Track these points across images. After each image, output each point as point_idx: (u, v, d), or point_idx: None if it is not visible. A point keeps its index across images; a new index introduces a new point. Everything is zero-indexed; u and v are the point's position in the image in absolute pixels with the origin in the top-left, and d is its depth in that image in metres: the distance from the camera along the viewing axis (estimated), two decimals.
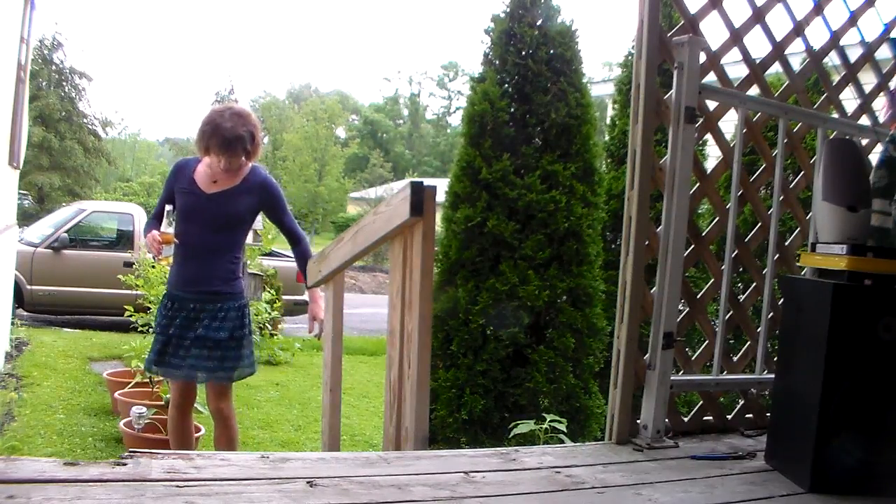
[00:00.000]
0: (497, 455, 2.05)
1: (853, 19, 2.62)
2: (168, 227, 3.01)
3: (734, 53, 2.44)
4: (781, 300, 2.35)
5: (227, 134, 2.97)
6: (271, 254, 8.77)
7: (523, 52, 4.53)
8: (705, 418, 2.47)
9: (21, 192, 12.08)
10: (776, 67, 2.55)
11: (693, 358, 2.46)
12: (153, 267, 7.01)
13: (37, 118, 20.80)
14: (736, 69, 2.47)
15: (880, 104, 2.78)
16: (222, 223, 3.07)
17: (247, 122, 3.05)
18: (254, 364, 3.21)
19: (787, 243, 2.65)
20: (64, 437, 4.25)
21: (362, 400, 6.29)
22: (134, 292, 6.83)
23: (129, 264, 7.72)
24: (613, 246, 5.22)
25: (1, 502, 1.33)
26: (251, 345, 3.21)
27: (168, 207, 3.07)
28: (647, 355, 2.25)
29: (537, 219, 4.31)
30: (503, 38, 4.56)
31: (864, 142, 2.67)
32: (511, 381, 4.24)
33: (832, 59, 2.64)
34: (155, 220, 3.17)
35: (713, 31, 2.36)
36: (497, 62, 4.59)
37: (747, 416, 2.52)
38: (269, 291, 7.66)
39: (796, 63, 2.64)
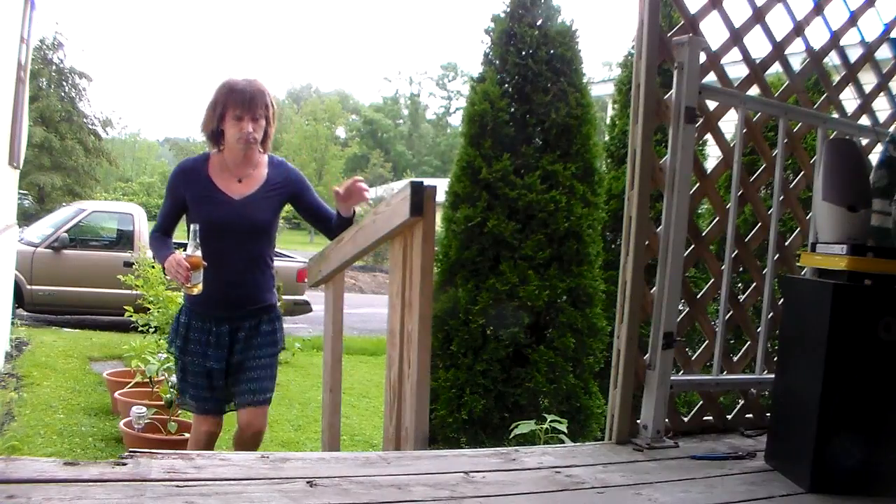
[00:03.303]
0: (497, 455, 2.05)
1: (853, 19, 2.62)
2: (196, 251, 2.44)
3: (734, 53, 2.44)
4: (781, 300, 2.35)
5: (245, 88, 2.55)
6: None
7: (523, 52, 4.53)
8: (705, 418, 2.47)
9: (21, 192, 12.09)
10: (776, 67, 2.55)
11: (693, 358, 2.46)
12: (153, 267, 7.02)
13: (37, 118, 20.79)
14: (736, 69, 2.47)
15: (881, 104, 2.78)
16: (260, 230, 2.64)
17: (262, 87, 2.63)
18: None
19: (787, 243, 2.65)
20: (64, 437, 4.24)
21: (362, 400, 6.30)
22: (134, 292, 6.84)
23: (129, 264, 7.72)
24: (613, 246, 5.22)
25: (1, 502, 1.33)
26: None
27: (194, 227, 2.47)
28: (647, 355, 2.25)
29: (537, 219, 4.31)
30: (503, 38, 4.56)
31: (864, 142, 2.67)
32: (511, 381, 4.24)
33: (832, 59, 2.64)
34: (164, 236, 2.70)
35: (713, 31, 2.36)
36: (497, 62, 4.60)
37: (747, 416, 2.52)
38: None
39: (796, 63, 2.64)
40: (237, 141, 2.56)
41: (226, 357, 2.62)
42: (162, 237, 2.69)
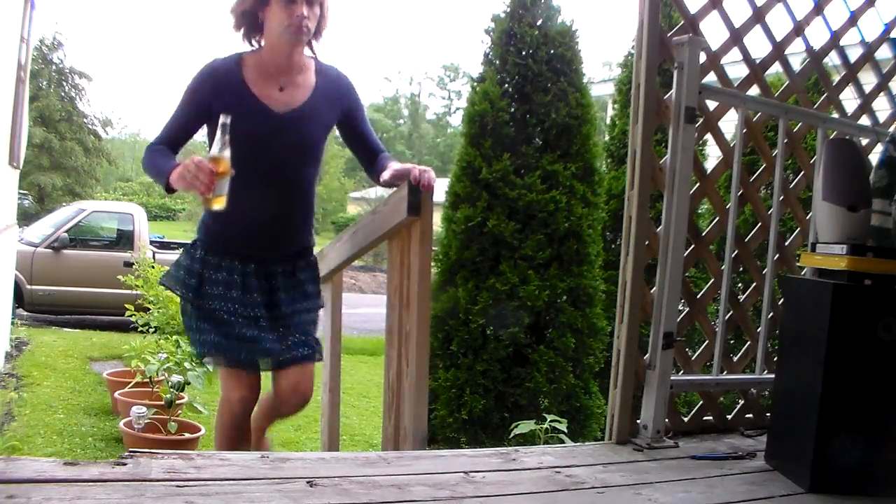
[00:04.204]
0: (497, 455, 2.05)
1: (853, 19, 2.62)
2: (223, 151, 1.86)
3: (734, 53, 2.44)
4: (781, 300, 2.35)
5: None
6: None
7: (523, 52, 4.54)
8: (705, 418, 2.47)
9: (21, 192, 12.09)
10: (776, 67, 2.55)
11: (693, 358, 2.46)
12: (153, 267, 7.03)
13: (37, 118, 20.80)
14: (736, 69, 2.47)
15: (881, 104, 2.78)
16: (306, 152, 2.14)
17: None
18: None
19: (787, 243, 2.65)
20: (64, 437, 4.24)
21: (362, 400, 6.29)
22: (134, 292, 6.84)
23: (129, 264, 7.73)
24: (613, 246, 5.23)
25: (1, 502, 1.33)
26: None
27: (224, 120, 1.87)
28: (647, 355, 2.25)
29: (537, 219, 4.31)
30: (503, 38, 4.57)
31: (864, 142, 2.66)
32: (511, 381, 4.24)
33: (832, 59, 2.63)
34: (167, 148, 2.08)
35: (713, 31, 2.36)
36: (497, 62, 4.60)
37: (747, 416, 2.52)
38: None
39: (796, 63, 2.64)
40: (285, 29, 2.01)
41: (257, 305, 2.11)
42: (163, 150, 2.07)
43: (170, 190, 1.98)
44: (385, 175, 2.17)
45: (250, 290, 2.12)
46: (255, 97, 2.05)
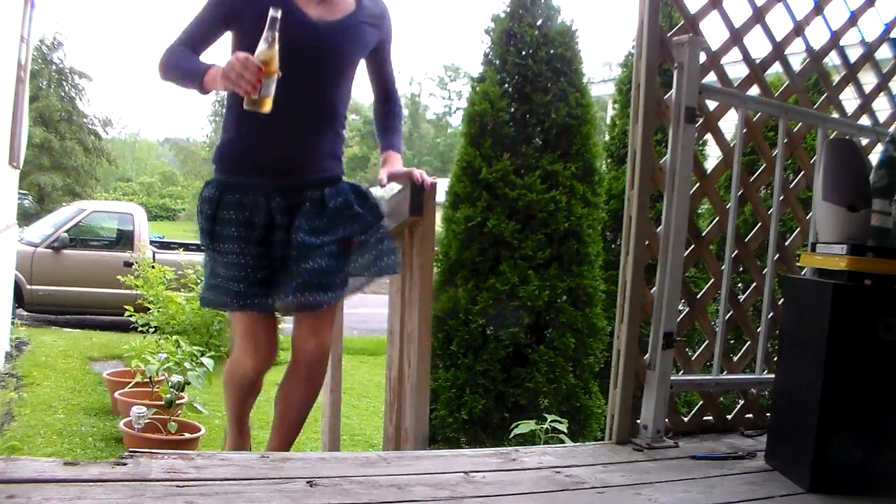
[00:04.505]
0: (497, 455, 2.05)
1: (853, 19, 2.62)
2: (271, 47, 1.71)
3: (734, 53, 2.44)
4: (781, 300, 2.35)
5: None
6: None
7: (523, 52, 4.54)
8: (705, 418, 2.47)
9: (21, 192, 12.09)
10: (776, 67, 2.55)
11: (693, 358, 2.46)
12: (152, 267, 7.03)
13: (37, 118, 20.83)
14: (736, 69, 2.47)
15: (881, 104, 2.78)
16: (343, 69, 1.98)
17: None
18: None
19: (787, 243, 2.65)
20: (64, 437, 4.24)
21: (362, 400, 6.29)
22: (134, 292, 6.84)
23: (129, 264, 7.73)
24: (613, 246, 5.22)
25: (1, 502, 1.33)
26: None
27: (274, 13, 1.71)
28: (647, 355, 2.25)
29: (537, 219, 4.31)
30: (503, 38, 4.57)
31: (864, 142, 2.67)
32: (511, 381, 4.24)
33: (832, 59, 2.64)
34: (190, 49, 1.89)
35: (713, 31, 2.36)
36: (497, 62, 4.60)
37: (747, 416, 2.52)
38: None
39: (796, 63, 2.64)
40: None
41: (280, 244, 1.93)
42: (187, 49, 1.89)
43: (203, 91, 1.81)
44: (383, 176, 2.13)
45: (273, 229, 1.92)
46: (293, 2, 1.88)
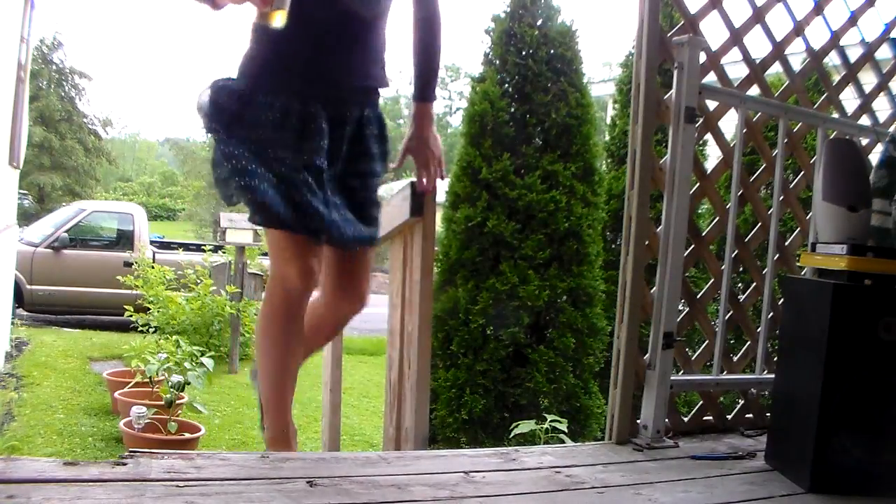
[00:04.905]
0: (497, 455, 2.05)
1: (853, 19, 2.62)
2: None
3: (734, 53, 2.44)
4: (781, 300, 2.35)
5: None
6: None
7: (523, 52, 4.54)
8: (705, 418, 2.47)
9: (21, 192, 12.10)
10: (776, 67, 2.55)
11: (693, 358, 2.46)
12: (152, 267, 7.03)
13: (37, 118, 20.83)
14: (736, 69, 2.47)
15: (881, 104, 2.78)
16: None
17: None
18: None
19: (787, 243, 2.65)
20: (64, 437, 4.25)
21: (362, 400, 6.30)
22: (134, 292, 6.85)
23: (128, 264, 7.73)
24: (613, 246, 5.23)
25: (1, 502, 1.33)
26: None
27: None
28: (647, 355, 2.25)
29: (537, 219, 4.32)
30: (503, 38, 4.57)
31: (864, 142, 2.66)
32: (511, 381, 4.24)
33: (832, 59, 2.64)
34: None
35: (713, 31, 2.36)
36: (497, 62, 4.60)
37: (747, 416, 2.52)
38: None
39: (796, 63, 2.64)
40: None
41: (319, 153, 1.66)
42: None
43: (215, 6, 1.59)
44: (401, 149, 1.94)
45: (311, 135, 1.65)
46: None
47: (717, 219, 2.50)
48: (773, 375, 2.25)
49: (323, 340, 1.89)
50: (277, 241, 1.69)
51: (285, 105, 1.65)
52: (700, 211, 3.84)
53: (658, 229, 2.25)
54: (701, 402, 2.47)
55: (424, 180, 1.98)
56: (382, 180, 2.02)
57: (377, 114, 1.83)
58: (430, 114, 1.96)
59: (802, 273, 2.43)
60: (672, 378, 2.28)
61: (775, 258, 2.55)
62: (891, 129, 2.67)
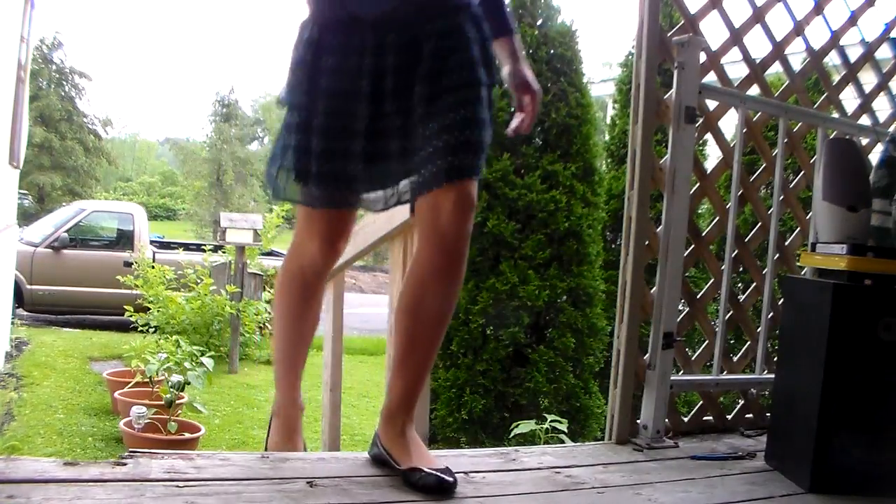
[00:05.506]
0: (497, 455, 2.05)
1: (853, 19, 2.62)
2: None
3: (734, 53, 2.44)
4: (781, 300, 2.35)
5: None
6: (271, 253, 8.78)
7: (523, 52, 4.54)
8: (705, 418, 2.47)
9: (21, 191, 12.10)
10: (776, 67, 2.55)
11: (693, 358, 2.46)
12: (152, 267, 7.03)
13: (37, 118, 20.84)
14: (736, 69, 2.47)
15: (881, 104, 2.78)
16: None
17: None
18: None
19: (787, 243, 2.65)
20: (64, 437, 4.25)
21: (362, 400, 6.30)
22: (134, 292, 6.85)
23: (128, 264, 7.73)
24: (613, 246, 5.23)
25: (1, 502, 1.33)
26: None
27: None
28: (647, 355, 2.25)
29: (537, 219, 4.32)
30: None
31: (864, 142, 2.66)
32: (511, 381, 4.24)
33: (832, 59, 2.63)
34: None
35: (713, 31, 2.36)
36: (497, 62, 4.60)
37: (747, 416, 2.52)
38: (269, 291, 7.67)
39: (796, 63, 2.64)
40: None
41: (396, 94, 1.49)
42: None
43: None
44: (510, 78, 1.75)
45: (383, 76, 1.47)
46: None
47: (717, 219, 2.50)
48: (773, 375, 2.25)
49: (433, 276, 1.58)
50: (303, 212, 1.60)
51: (356, 48, 1.46)
52: (700, 211, 3.84)
53: (658, 229, 2.25)
54: (701, 402, 2.47)
55: (520, 121, 1.79)
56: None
57: (463, 33, 1.56)
58: (515, 48, 1.78)
59: (802, 273, 2.43)
60: (672, 378, 2.28)
61: (775, 258, 2.55)
62: (891, 129, 2.67)
